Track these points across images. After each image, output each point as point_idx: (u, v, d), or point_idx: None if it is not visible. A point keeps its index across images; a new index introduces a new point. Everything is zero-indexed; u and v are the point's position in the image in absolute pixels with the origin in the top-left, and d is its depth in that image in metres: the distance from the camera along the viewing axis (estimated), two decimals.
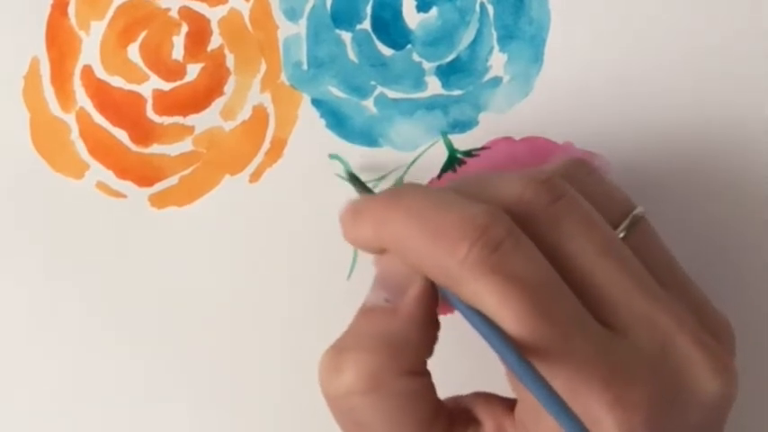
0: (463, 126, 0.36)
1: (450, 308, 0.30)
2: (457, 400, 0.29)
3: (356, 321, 0.28)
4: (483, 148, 0.36)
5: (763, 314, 0.35)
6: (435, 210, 0.27)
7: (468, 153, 0.36)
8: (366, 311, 0.28)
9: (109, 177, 0.36)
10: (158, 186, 0.36)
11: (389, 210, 0.28)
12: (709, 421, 0.27)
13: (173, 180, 0.36)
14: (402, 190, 0.29)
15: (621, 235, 0.29)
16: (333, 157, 0.36)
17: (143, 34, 0.37)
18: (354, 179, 0.34)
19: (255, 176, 0.36)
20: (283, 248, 0.36)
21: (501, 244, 0.26)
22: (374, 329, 0.27)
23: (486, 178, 0.29)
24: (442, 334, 0.28)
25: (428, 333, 0.27)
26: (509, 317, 0.25)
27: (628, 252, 0.28)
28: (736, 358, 0.28)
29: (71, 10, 0.37)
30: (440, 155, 0.36)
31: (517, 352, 0.25)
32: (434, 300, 0.28)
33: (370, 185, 0.36)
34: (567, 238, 0.27)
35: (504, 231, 0.26)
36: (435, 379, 0.28)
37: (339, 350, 0.27)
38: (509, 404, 0.29)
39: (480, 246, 0.26)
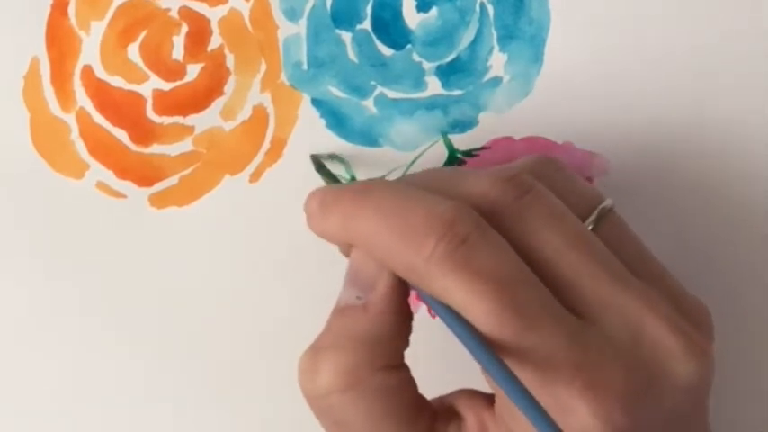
0: (463, 126, 0.36)
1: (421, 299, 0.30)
2: (441, 398, 0.30)
3: (330, 321, 0.28)
4: (483, 148, 0.36)
5: (764, 314, 0.35)
6: (403, 206, 0.27)
7: (469, 153, 0.36)
8: (339, 310, 0.28)
9: (109, 177, 0.36)
10: (158, 186, 0.36)
11: (357, 205, 0.28)
12: (687, 405, 0.27)
13: (173, 180, 0.36)
14: (370, 185, 0.29)
15: (590, 228, 0.29)
16: (332, 157, 0.36)
17: (143, 34, 0.37)
18: (321, 167, 0.34)
19: (255, 176, 0.36)
20: (283, 248, 0.36)
21: (467, 238, 0.26)
22: (347, 328, 0.27)
23: (453, 174, 0.29)
24: (424, 330, 0.29)
25: (400, 326, 0.28)
26: (477, 311, 0.25)
27: (597, 242, 0.28)
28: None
29: (71, 10, 0.37)
30: (440, 155, 0.36)
31: (485, 346, 0.25)
32: (405, 292, 0.28)
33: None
34: (534, 231, 0.27)
35: (470, 226, 0.26)
36: (419, 377, 0.28)
37: (315, 351, 0.28)
38: (490, 399, 0.29)
39: (447, 241, 0.26)
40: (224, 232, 0.36)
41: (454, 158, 0.36)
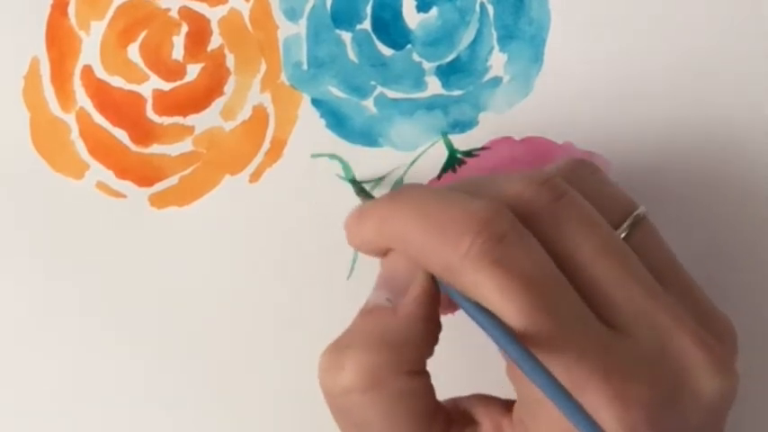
0: (463, 126, 0.36)
1: (450, 308, 0.29)
2: (455, 402, 0.29)
3: (357, 320, 0.28)
4: (483, 149, 0.36)
5: (765, 314, 0.35)
6: (438, 205, 0.27)
7: (469, 153, 0.36)
8: (367, 311, 0.28)
9: (109, 177, 0.36)
10: (158, 186, 0.36)
11: (392, 208, 0.28)
12: (709, 420, 0.27)
13: (173, 180, 0.36)
14: (404, 189, 0.29)
15: (623, 235, 0.29)
16: (332, 157, 0.36)
17: (143, 34, 0.37)
18: (356, 185, 0.35)
19: (255, 176, 0.36)
20: (283, 248, 0.36)
21: (504, 237, 0.26)
22: (375, 328, 0.27)
23: (487, 177, 0.29)
24: (440, 336, 0.29)
25: (428, 333, 0.28)
26: (511, 309, 0.25)
27: (628, 251, 0.28)
28: (738, 359, 0.28)
29: (71, 10, 0.37)
30: (440, 155, 0.36)
31: (519, 343, 0.25)
32: (436, 300, 0.28)
33: (369, 186, 0.36)
34: (567, 236, 0.27)
35: (506, 225, 0.26)
36: (434, 380, 0.28)
37: (339, 348, 0.27)
38: (506, 405, 0.29)
39: (483, 238, 0.26)
40: (224, 232, 0.36)
41: (454, 158, 0.36)
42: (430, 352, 0.28)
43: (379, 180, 0.36)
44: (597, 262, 0.27)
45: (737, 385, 0.27)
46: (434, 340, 0.28)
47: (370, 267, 0.35)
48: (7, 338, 0.36)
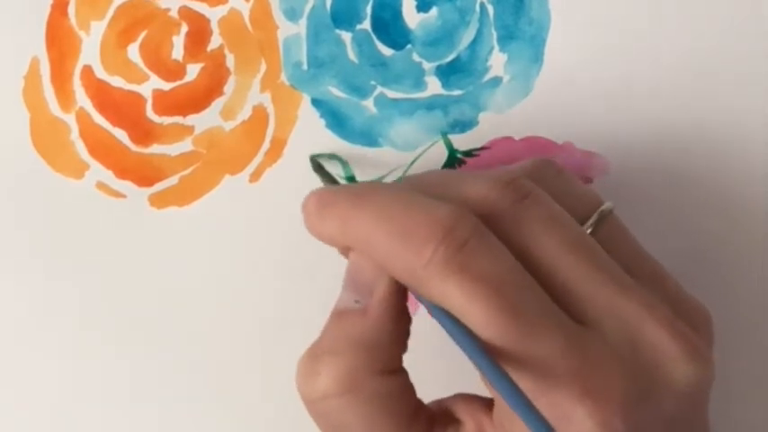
0: (463, 126, 0.36)
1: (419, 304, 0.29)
2: (438, 402, 0.29)
3: (328, 324, 0.28)
4: (483, 148, 0.36)
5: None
6: (401, 210, 0.27)
7: (468, 153, 0.36)
8: (337, 314, 0.28)
9: (109, 177, 0.36)
10: (158, 186, 0.36)
11: (356, 209, 0.28)
12: (686, 409, 0.27)
13: (173, 180, 0.36)
14: (369, 188, 0.29)
15: (589, 231, 0.29)
16: (332, 157, 0.36)
17: (143, 34, 0.37)
18: (318, 167, 0.34)
19: (255, 176, 0.36)
20: (283, 248, 0.36)
21: (466, 243, 0.26)
22: (346, 332, 0.27)
23: (451, 177, 0.29)
24: (421, 334, 0.29)
25: (399, 331, 0.28)
26: (476, 316, 0.25)
27: (595, 246, 0.28)
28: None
29: (71, 10, 0.37)
30: (440, 155, 0.36)
31: (483, 352, 0.25)
32: (403, 296, 0.28)
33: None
34: (532, 235, 0.27)
35: (469, 230, 0.26)
36: (416, 380, 0.28)
37: (314, 354, 0.28)
38: (489, 403, 0.29)
39: (445, 246, 0.26)
40: (224, 232, 0.36)
41: (454, 158, 0.36)
42: (403, 349, 0.28)
43: (379, 180, 0.36)
44: (563, 258, 0.27)
45: (714, 372, 0.27)
46: (406, 336, 0.28)
47: None
48: (7, 338, 0.36)
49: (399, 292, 0.28)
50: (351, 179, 0.36)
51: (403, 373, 0.28)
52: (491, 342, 0.25)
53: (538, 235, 0.27)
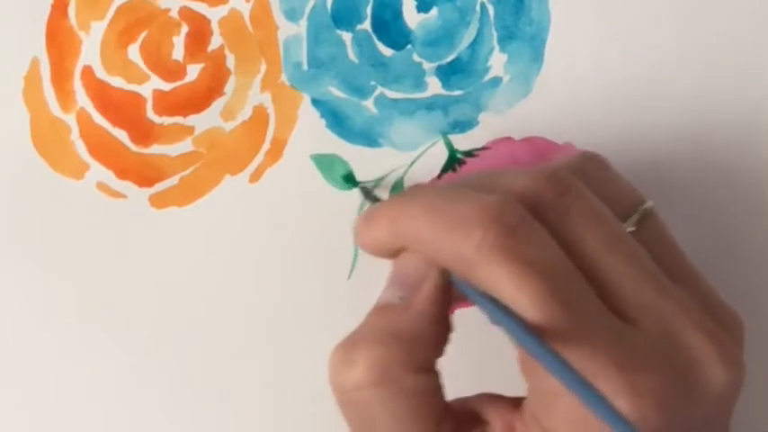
0: (463, 126, 0.36)
1: (463, 302, 0.29)
2: (462, 402, 0.29)
3: (369, 317, 0.28)
4: (483, 149, 0.36)
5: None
6: (448, 201, 0.27)
7: (469, 153, 0.36)
8: (379, 308, 0.28)
9: (109, 178, 0.36)
10: (158, 187, 0.36)
11: (402, 207, 0.28)
12: (717, 411, 0.27)
13: (173, 180, 0.36)
14: (413, 189, 0.29)
15: (631, 229, 0.29)
16: (332, 157, 0.36)
17: (143, 35, 0.37)
18: (364, 189, 0.35)
19: (256, 177, 0.36)
20: (283, 249, 0.36)
21: (515, 229, 0.26)
22: (387, 325, 0.27)
23: (494, 173, 0.29)
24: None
25: (440, 331, 0.28)
26: (525, 302, 0.25)
27: (636, 245, 0.28)
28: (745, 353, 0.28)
29: (71, 10, 0.37)
30: (440, 155, 0.36)
31: (536, 336, 0.25)
32: (448, 298, 0.28)
33: (369, 185, 0.36)
34: (575, 230, 0.27)
35: (517, 217, 0.26)
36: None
37: (351, 344, 0.27)
38: (515, 402, 0.29)
39: (495, 231, 0.26)
40: (224, 232, 0.36)
41: (454, 158, 0.36)
42: (440, 351, 0.28)
43: (379, 180, 0.36)
44: (606, 255, 0.27)
45: (744, 377, 0.27)
46: (445, 340, 0.28)
47: (371, 267, 0.35)
48: (7, 339, 0.36)
49: (445, 294, 0.28)
50: (350, 179, 0.36)
51: (436, 374, 0.28)
52: (537, 328, 0.25)
53: (581, 229, 0.27)
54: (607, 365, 0.25)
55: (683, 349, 0.27)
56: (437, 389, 0.28)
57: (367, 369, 0.27)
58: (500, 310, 0.26)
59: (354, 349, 0.27)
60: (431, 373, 0.28)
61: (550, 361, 0.25)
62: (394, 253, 0.29)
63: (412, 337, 0.27)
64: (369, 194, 0.35)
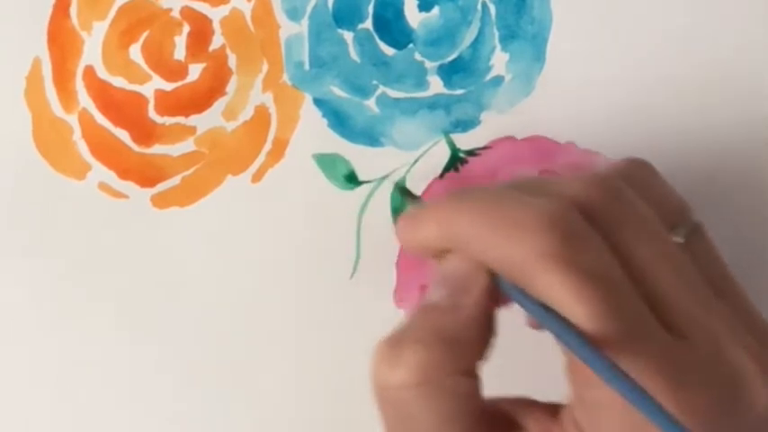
0: (465, 125, 0.36)
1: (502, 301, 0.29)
2: (496, 404, 0.29)
3: (416, 316, 0.27)
4: (485, 148, 0.36)
5: None
6: (504, 205, 0.27)
7: (471, 152, 0.36)
8: (426, 307, 0.27)
9: (111, 178, 0.36)
10: (160, 187, 0.36)
11: (455, 208, 0.27)
12: (759, 429, 0.27)
13: (174, 180, 0.36)
14: (464, 190, 0.28)
15: (679, 240, 0.28)
16: (334, 156, 0.36)
17: (145, 34, 0.37)
18: (404, 192, 0.34)
19: (257, 177, 0.36)
20: (286, 248, 0.36)
21: (574, 237, 0.26)
22: (433, 325, 0.27)
23: (543, 179, 0.29)
24: None
25: (485, 335, 0.27)
26: (581, 312, 0.25)
27: (685, 258, 0.28)
28: None
29: (73, 10, 0.37)
30: (442, 154, 0.36)
31: (594, 347, 0.25)
32: (494, 302, 0.27)
33: (371, 186, 0.36)
34: (626, 238, 0.27)
35: (576, 225, 0.26)
36: None
37: (397, 341, 0.27)
38: (552, 410, 0.28)
39: (554, 238, 0.26)
40: (226, 232, 0.36)
41: (456, 158, 0.36)
42: (484, 355, 0.27)
43: (381, 180, 0.36)
44: (656, 266, 0.27)
45: None
46: (489, 344, 0.27)
47: (373, 267, 0.35)
48: (8, 339, 0.36)
49: (494, 298, 0.27)
50: (352, 178, 0.36)
51: (478, 378, 0.27)
52: (591, 336, 0.25)
53: (633, 238, 0.27)
54: (658, 381, 0.25)
55: (729, 366, 0.26)
56: (477, 392, 0.27)
57: (411, 369, 0.26)
58: (556, 320, 0.25)
59: (399, 348, 0.27)
60: (473, 376, 0.27)
61: (609, 371, 0.24)
62: (439, 254, 0.28)
63: (458, 340, 0.26)
64: (407, 193, 0.34)
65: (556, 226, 0.26)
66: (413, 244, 0.29)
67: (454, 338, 0.26)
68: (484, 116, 0.36)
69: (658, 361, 0.25)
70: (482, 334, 0.27)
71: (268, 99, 0.36)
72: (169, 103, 0.36)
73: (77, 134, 0.37)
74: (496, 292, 0.27)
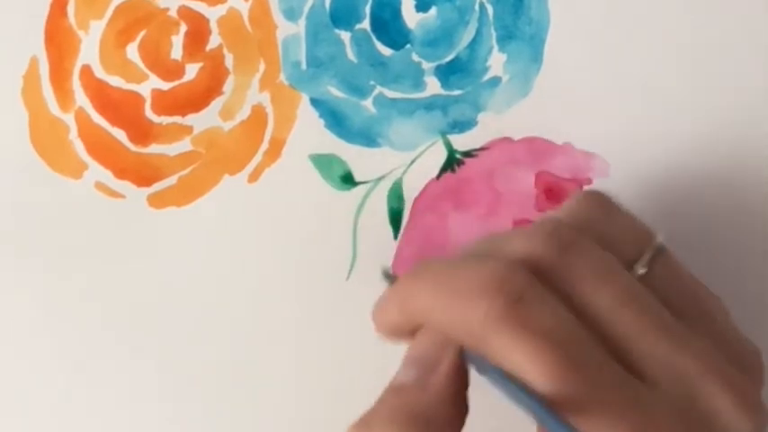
0: (462, 126, 0.36)
1: None
2: None
3: (384, 397, 0.27)
4: (482, 149, 0.36)
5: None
6: (454, 272, 0.27)
7: (468, 153, 0.36)
8: (395, 388, 0.27)
9: (107, 177, 0.36)
10: (157, 186, 0.36)
11: (409, 284, 0.28)
12: None
13: (171, 180, 0.36)
14: (420, 265, 0.28)
15: (642, 271, 0.28)
16: (331, 157, 0.36)
17: (142, 34, 0.37)
18: (388, 276, 0.34)
19: (254, 176, 0.36)
20: (282, 249, 0.36)
21: (522, 296, 0.26)
22: (403, 405, 0.26)
23: (494, 237, 0.29)
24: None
25: (457, 412, 0.27)
26: (539, 372, 0.25)
27: (648, 296, 0.27)
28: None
29: (70, 9, 0.37)
30: (439, 155, 0.36)
31: (549, 409, 0.24)
32: (465, 379, 0.27)
33: (368, 186, 0.36)
34: (583, 289, 0.27)
35: (522, 283, 0.26)
36: None
37: (367, 424, 0.27)
38: None
39: (501, 299, 0.25)
40: (223, 232, 0.36)
41: (453, 159, 0.36)
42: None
43: (378, 180, 0.36)
44: (617, 313, 0.26)
45: (766, 421, 0.27)
46: (461, 421, 0.27)
47: (369, 269, 0.35)
48: (6, 338, 0.36)
49: (462, 373, 0.27)
50: (349, 179, 0.36)
51: None
52: (550, 398, 0.25)
53: (589, 288, 0.27)
54: (624, 430, 0.25)
55: (704, 403, 0.26)
56: None
57: None
58: (512, 385, 0.25)
59: (369, 430, 0.26)
60: None
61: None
62: (411, 334, 0.28)
63: (428, 418, 0.26)
64: (389, 278, 0.34)
65: (501, 287, 0.26)
66: (384, 330, 0.29)
67: (424, 417, 0.26)
68: (481, 117, 0.36)
69: (626, 411, 0.25)
70: (452, 412, 0.27)
71: (265, 99, 0.36)
72: (166, 103, 0.36)
73: (74, 133, 0.37)
74: (466, 369, 0.27)
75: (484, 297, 0.26)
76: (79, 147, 0.37)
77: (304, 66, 0.36)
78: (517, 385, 0.25)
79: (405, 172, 0.36)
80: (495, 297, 0.25)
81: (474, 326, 0.26)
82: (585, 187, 0.35)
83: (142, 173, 0.36)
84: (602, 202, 0.30)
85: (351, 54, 0.36)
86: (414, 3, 0.36)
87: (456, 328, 0.26)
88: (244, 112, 0.36)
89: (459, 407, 0.27)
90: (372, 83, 0.36)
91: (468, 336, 0.26)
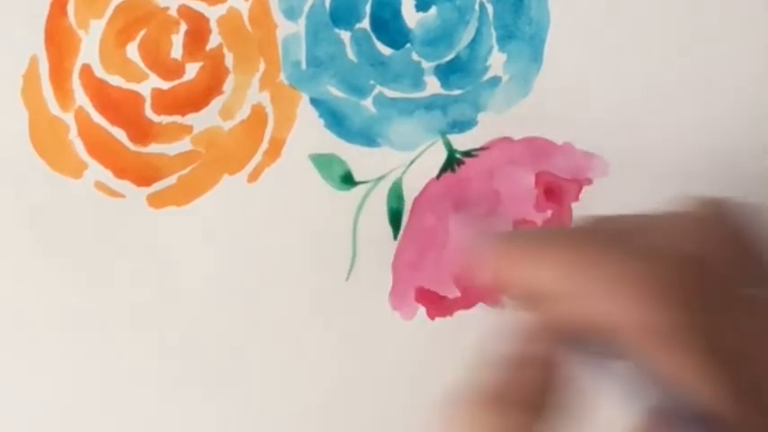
0: (462, 126, 0.36)
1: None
2: None
3: (479, 372, 0.25)
4: (482, 149, 0.36)
5: None
6: (636, 263, 0.24)
7: (468, 153, 0.36)
8: (493, 364, 0.25)
9: (107, 177, 0.36)
10: (156, 186, 0.36)
11: (586, 253, 0.25)
12: None
13: (171, 180, 0.36)
14: (585, 233, 0.26)
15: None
16: (330, 157, 0.36)
17: (142, 33, 0.37)
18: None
19: (254, 176, 0.36)
20: (282, 248, 0.36)
21: (705, 309, 0.24)
22: (497, 385, 0.25)
23: (646, 221, 0.27)
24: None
25: (548, 401, 0.25)
26: (705, 391, 0.23)
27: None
28: None
29: (70, 9, 0.37)
30: (439, 155, 0.36)
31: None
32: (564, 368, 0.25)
33: (367, 186, 0.36)
34: (735, 301, 0.25)
35: (707, 293, 0.24)
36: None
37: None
38: None
39: (687, 310, 0.24)
40: (222, 232, 0.36)
41: (453, 159, 0.36)
42: (545, 420, 0.25)
43: (378, 180, 0.36)
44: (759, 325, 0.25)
45: None
46: (551, 410, 0.25)
47: (369, 268, 0.35)
48: (5, 338, 0.36)
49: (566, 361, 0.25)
50: (348, 179, 0.36)
51: None
52: (715, 418, 0.23)
53: (743, 315, 0.25)
54: None
55: None
56: None
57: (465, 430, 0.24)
58: (675, 399, 0.23)
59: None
60: None
61: None
62: (534, 300, 0.25)
63: (522, 403, 0.24)
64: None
65: (688, 297, 0.24)
66: (515, 278, 0.26)
67: (518, 402, 0.24)
68: (481, 117, 0.36)
69: None
70: (546, 400, 0.25)
71: (265, 98, 0.36)
72: (166, 102, 0.36)
73: (74, 132, 0.37)
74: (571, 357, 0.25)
75: (670, 301, 0.24)
76: (79, 146, 0.37)
77: (304, 65, 0.36)
78: (676, 399, 0.23)
79: (405, 172, 0.36)
80: (682, 304, 0.24)
81: (653, 329, 0.23)
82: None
83: (142, 172, 0.36)
84: (724, 221, 0.27)
85: (351, 54, 0.36)
86: (414, 2, 0.36)
87: (625, 324, 0.24)
88: (244, 112, 0.36)
89: (553, 395, 0.25)
90: (372, 82, 0.36)
91: (638, 335, 0.24)
